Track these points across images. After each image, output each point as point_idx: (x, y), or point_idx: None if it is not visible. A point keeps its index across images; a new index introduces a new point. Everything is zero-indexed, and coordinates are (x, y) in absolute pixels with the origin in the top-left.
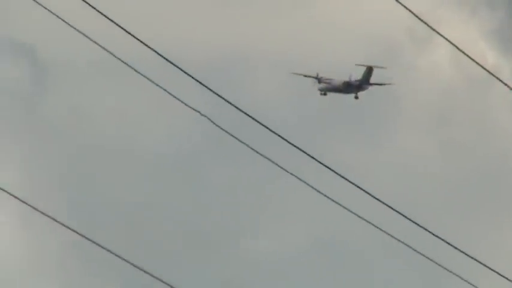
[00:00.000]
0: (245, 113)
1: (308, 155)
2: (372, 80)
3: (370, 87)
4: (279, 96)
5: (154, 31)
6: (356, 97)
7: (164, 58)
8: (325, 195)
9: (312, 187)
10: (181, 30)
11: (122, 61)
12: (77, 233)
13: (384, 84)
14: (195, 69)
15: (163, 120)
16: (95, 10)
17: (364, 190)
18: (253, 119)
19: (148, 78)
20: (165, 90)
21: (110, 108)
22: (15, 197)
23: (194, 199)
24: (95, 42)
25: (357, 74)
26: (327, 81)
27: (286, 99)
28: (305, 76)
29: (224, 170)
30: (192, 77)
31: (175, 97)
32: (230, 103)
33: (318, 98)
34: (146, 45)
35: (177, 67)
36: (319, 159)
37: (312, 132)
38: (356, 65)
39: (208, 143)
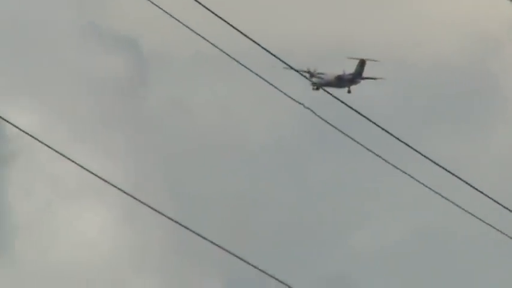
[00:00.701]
0: (348, 106)
1: (411, 148)
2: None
3: (363, 81)
4: (383, 90)
5: (258, 24)
6: (349, 91)
7: (268, 51)
8: (429, 188)
9: (416, 179)
10: (285, 23)
11: (226, 54)
12: (181, 225)
13: (376, 79)
14: (299, 62)
15: (267, 112)
16: (199, 4)
17: (468, 183)
18: (356, 111)
19: (252, 71)
20: (269, 83)
21: (213, 101)
22: (120, 190)
23: (298, 191)
24: (199, 35)
25: (351, 68)
26: (319, 75)
27: (389, 92)
28: (297, 71)
29: (327, 162)
30: (296, 70)
31: (279, 90)
32: (333, 96)
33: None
34: (250, 38)
35: (281, 60)
36: (423, 153)
37: (416, 125)
38: (348, 58)
39: (311, 136)
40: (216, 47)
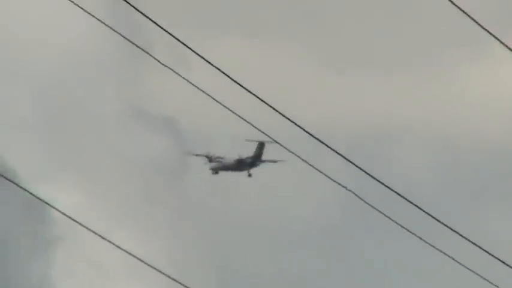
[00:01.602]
0: (389, 188)
1: (452, 230)
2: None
3: (262, 164)
4: (425, 170)
5: (298, 107)
6: (249, 175)
7: (309, 133)
8: (470, 270)
9: (458, 262)
10: (326, 106)
11: (266, 135)
12: None
13: (277, 161)
14: (341, 144)
15: (310, 194)
16: (239, 85)
17: (508, 265)
18: (397, 194)
19: (293, 153)
20: (310, 165)
21: (256, 184)
22: (162, 273)
23: (340, 272)
24: (240, 117)
25: (249, 150)
26: (218, 159)
27: (433, 173)
28: (196, 155)
29: (369, 244)
30: (337, 152)
31: (321, 172)
32: (374, 178)
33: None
34: (292, 121)
35: (322, 142)
36: (464, 234)
37: (457, 205)
38: (246, 140)
39: (354, 218)
40: (258, 129)
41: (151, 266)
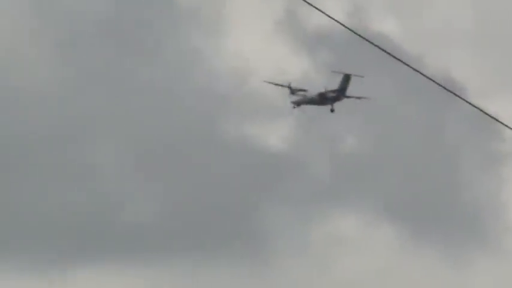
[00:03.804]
0: None
1: None
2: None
3: (347, 100)
4: None
5: None
6: (332, 110)
7: None
8: None
9: None
10: None
11: None
12: None
13: (361, 98)
14: None
15: None
16: None
17: None
18: None
19: None
20: None
21: None
22: None
23: None
24: None
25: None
26: (301, 92)
27: None
28: (277, 85)
29: None
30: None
31: None
32: None
33: None
34: None
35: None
36: None
37: None
38: (332, 71)
39: None
40: None
41: None
